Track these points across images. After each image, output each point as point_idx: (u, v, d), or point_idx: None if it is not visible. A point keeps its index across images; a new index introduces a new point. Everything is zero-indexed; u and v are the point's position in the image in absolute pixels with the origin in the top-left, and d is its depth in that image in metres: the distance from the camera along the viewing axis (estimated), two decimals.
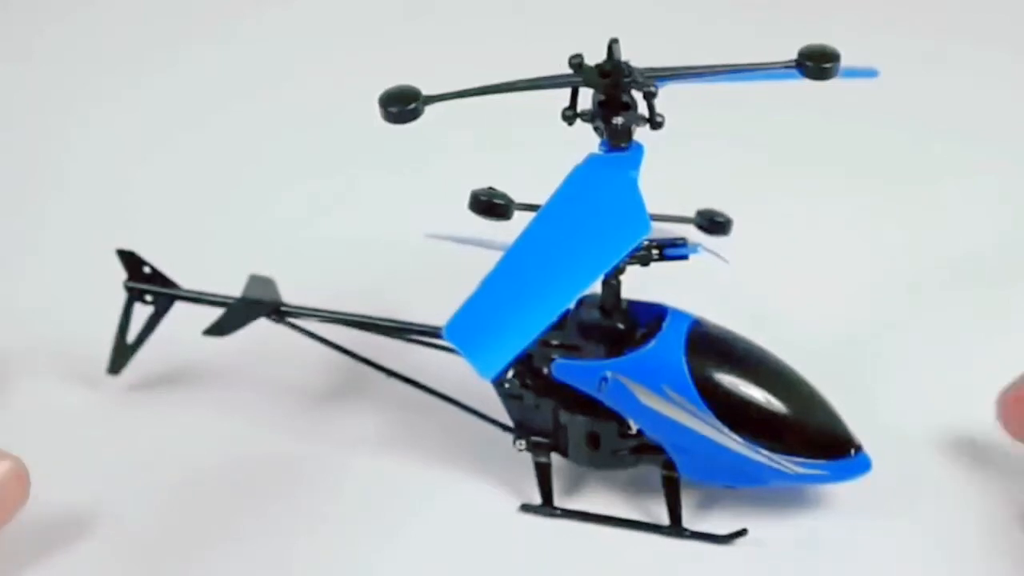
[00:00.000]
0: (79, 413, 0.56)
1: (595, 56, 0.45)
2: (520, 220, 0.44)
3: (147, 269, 0.56)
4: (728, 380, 0.48)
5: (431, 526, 0.51)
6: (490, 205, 0.46)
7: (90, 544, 0.50)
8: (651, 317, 0.50)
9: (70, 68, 0.84)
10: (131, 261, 0.56)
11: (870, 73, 0.54)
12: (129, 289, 0.56)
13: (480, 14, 0.87)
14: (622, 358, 0.48)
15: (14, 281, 0.64)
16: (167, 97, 0.81)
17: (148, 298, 0.56)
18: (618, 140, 0.44)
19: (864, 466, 0.49)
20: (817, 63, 0.43)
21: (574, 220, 0.42)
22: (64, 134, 0.77)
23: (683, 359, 0.48)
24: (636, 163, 0.44)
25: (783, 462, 0.48)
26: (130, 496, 0.52)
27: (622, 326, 0.49)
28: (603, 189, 0.42)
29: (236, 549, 0.50)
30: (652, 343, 0.48)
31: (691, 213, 0.52)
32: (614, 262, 0.42)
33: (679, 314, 0.49)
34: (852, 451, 0.48)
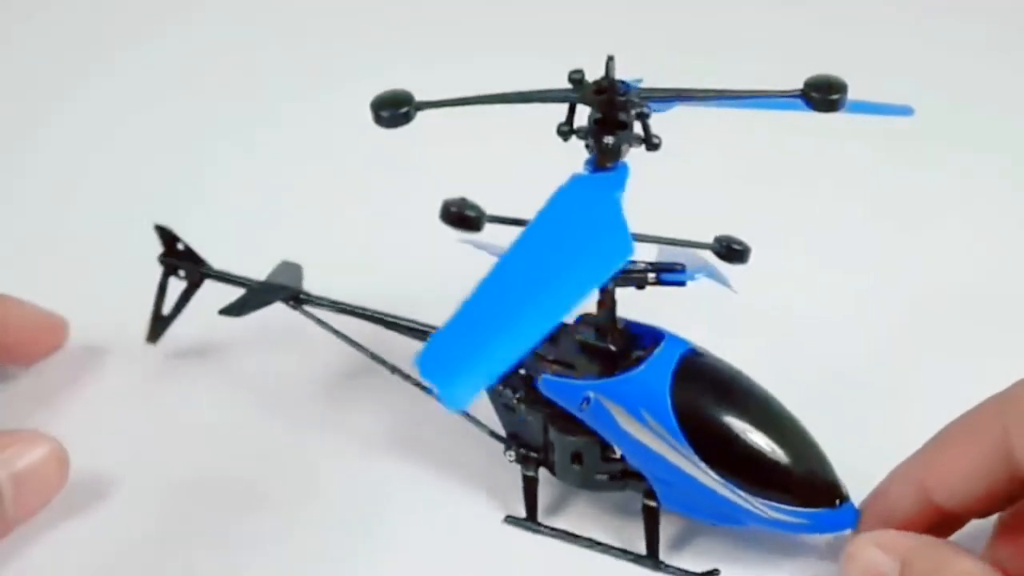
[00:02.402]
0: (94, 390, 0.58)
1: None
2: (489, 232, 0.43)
3: (180, 246, 0.58)
4: (711, 414, 0.46)
5: (412, 528, 0.51)
6: (460, 217, 0.45)
7: (105, 511, 0.51)
8: (648, 341, 0.49)
9: (87, 41, 0.87)
10: (166, 237, 0.58)
11: (905, 111, 0.52)
12: (164, 263, 0.58)
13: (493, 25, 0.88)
14: (605, 379, 0.47)
15: (49, 259, 0.67)
16: (184, 90, 0.82)
17: (181, 273, 0.58)
18: (604, 159, 0.43)
19: (848, 519, 0.47)
20: (824, 94, 0.41)
21: (555, 244, 0.40)
22: (94, 107, 0.80)
23: (667, 387, 0.46)
24: (620, 183, 0.42)
25: (760, 505, 0.46)
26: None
27: (614, 348, 0.49)
28: (586, 211, 0.41)
29: (213, 546, 0.50)
30: (639, 367, 0.47)
31: (701, 233, 0.50)
32: (596, 287, 0.40)
33: (676, 341, 0.48)
34: (836, 502, 0.47)
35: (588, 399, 0.47)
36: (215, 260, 0.60)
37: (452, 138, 0.70)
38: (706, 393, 0.47)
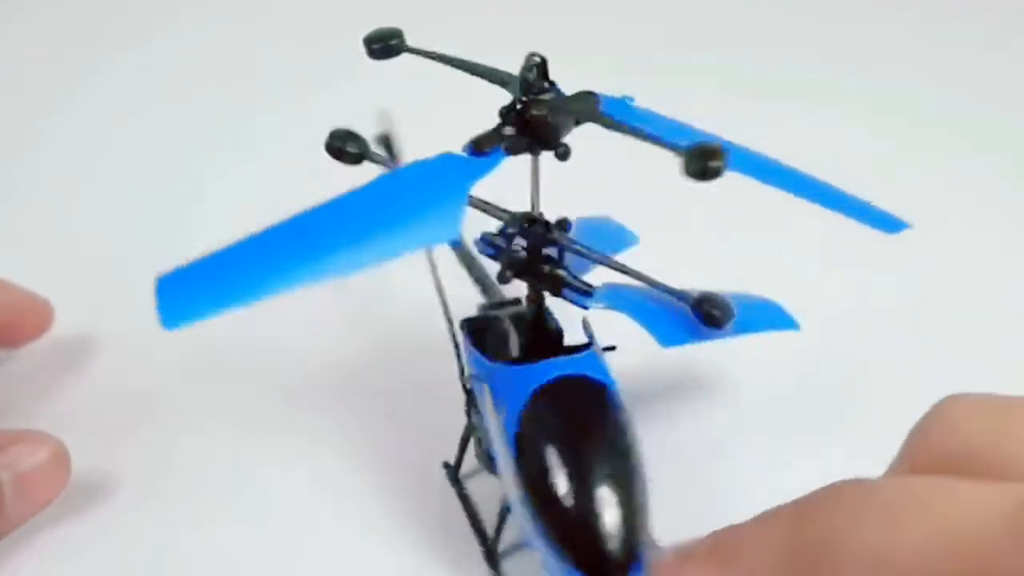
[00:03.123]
0: None
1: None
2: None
3: None
4: (540, 438, 0.42)
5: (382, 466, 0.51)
6: (340, 151, 0.45)
7: (102, 508, 0.51)
8: (573, 348, 0.47)
9: (86, 41, 0.88)
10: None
11: (898, 226, 0.49)
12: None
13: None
14: (493, 362, 0.46)
15: None
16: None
17: None
18: (481, 145, 0.41)
19: None
20: (701, 163, 0.38)
21: (376, 205, 0.39)
22: None
23: (528, 395, 0.43)
24: (481, 172, 0.40)
25: (542, 547, 0.42)
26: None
27: (524, 341, 0.47)
28: (430, 186, 0.40)
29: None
30: (523, 366, 0.45)
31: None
32: (388, 259, 0.37)
33: (587, 360, 0.45)
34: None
35: (476, 375, 0.46)
36: None
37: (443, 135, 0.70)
38: (552, 418, 0.43)
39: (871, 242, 0.64)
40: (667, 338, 0.45)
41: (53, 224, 0.70)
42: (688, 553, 0.40)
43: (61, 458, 0.49)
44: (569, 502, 0.41)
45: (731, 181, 0.68)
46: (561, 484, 0.41)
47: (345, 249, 0.37)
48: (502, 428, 0.44)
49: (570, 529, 0.41)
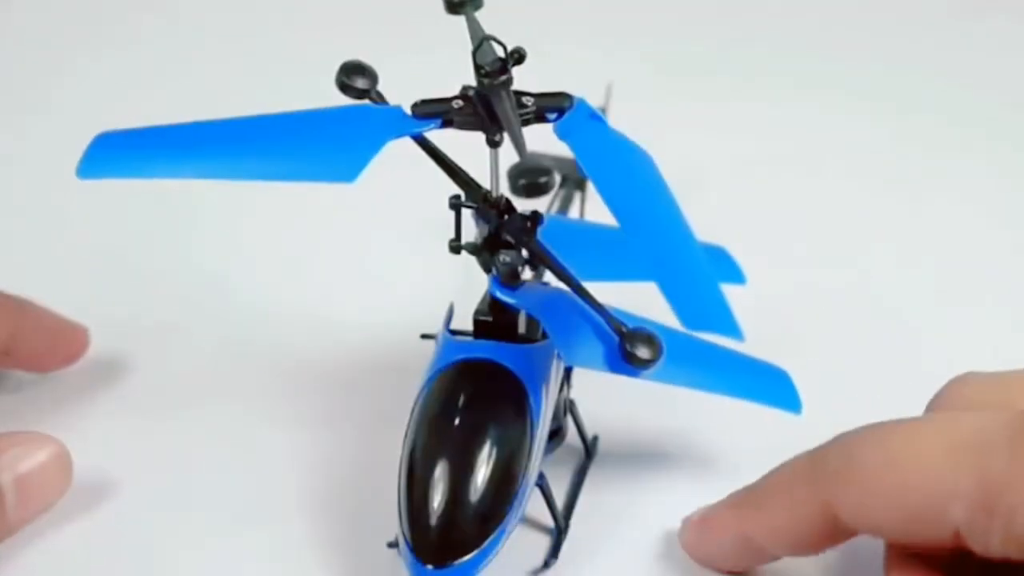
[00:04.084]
0: None
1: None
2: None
3: None
4: (422, 416, 0.44)
5: None
6: (343, 85, 0.45)
7: (107, 517, 0.50)
8: (535, 333, 0.47)
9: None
10: None
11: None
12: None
13: None
14: (448, 330, 0.47)
15: None
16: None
17: None
18: (419, 109, 0.43)
19: None
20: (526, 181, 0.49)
21: (305, 130, 0.43)
22: None
23: (437, 370, 0.45)
24: (403, 132, 0.42)
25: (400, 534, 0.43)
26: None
27: (490, 319, 0.46)
28: (356, 128, 0.42)
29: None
30: (449, 341, 0.46)
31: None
32: (294, 179, 0.41)
33: (509, 349, 0.45)
34: (424, 558, 0.42)
35: (435, 339, 0.48)
36: (219, 259, 0.61)
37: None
38: (438, 395, 0.44)
39: (880, 243, 0.66)
40: (571, 358, 0.46)
41: (86, 241, 0.68)
42: (711, 509, 0.46)
43: (63, 461, 0.48)
44: (412, 477, 0.43)
45: (731, 188, 0.69)
46: (415, 461, 0.43)
47: (257, 159, 0.42)
48: (422, 390, 0.45)
49: (407, 502, 0.43)
